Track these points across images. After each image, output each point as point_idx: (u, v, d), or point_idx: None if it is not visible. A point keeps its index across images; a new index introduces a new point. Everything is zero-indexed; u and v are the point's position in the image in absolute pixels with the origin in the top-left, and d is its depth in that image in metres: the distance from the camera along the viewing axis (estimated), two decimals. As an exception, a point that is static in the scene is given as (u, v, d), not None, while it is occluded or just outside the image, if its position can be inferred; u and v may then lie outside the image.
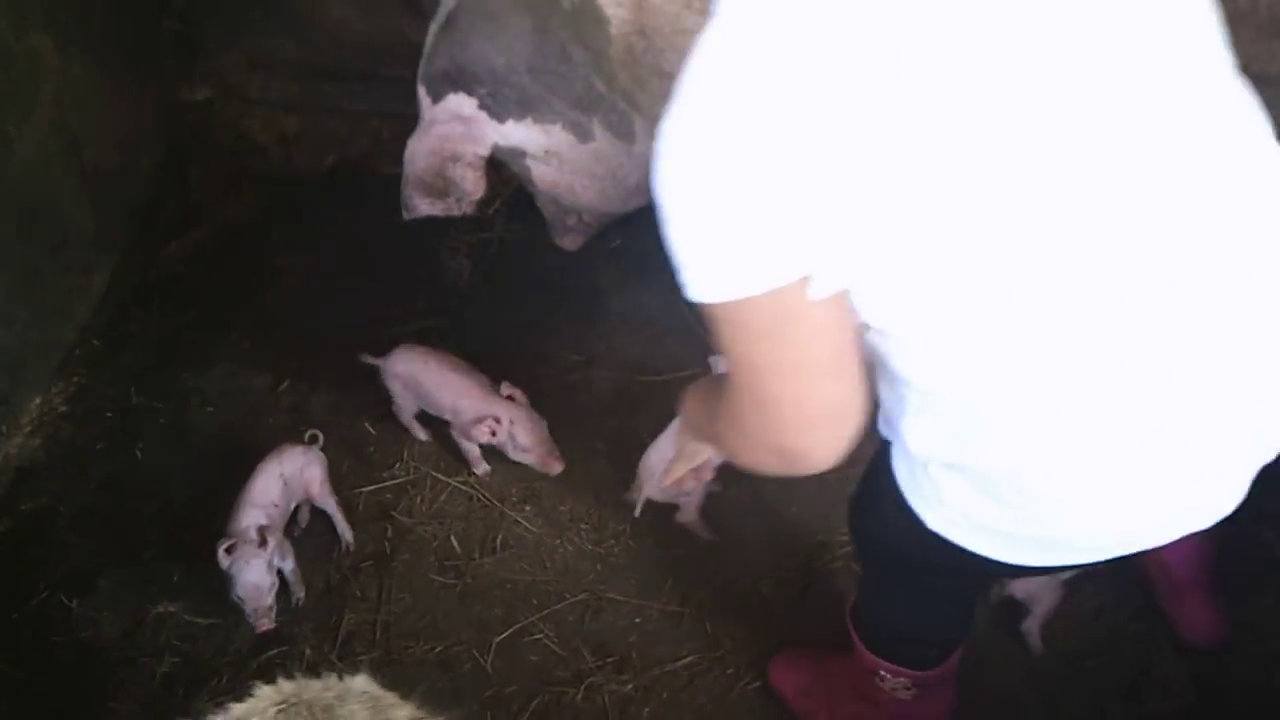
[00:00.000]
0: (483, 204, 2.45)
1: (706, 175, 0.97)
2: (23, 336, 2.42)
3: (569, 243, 2.44)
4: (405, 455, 2.37)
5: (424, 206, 2.44)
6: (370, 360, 2.32)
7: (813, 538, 2.20)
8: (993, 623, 2.07)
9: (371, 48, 2.74)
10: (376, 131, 2.85)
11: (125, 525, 2.27)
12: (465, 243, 2.65)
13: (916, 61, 0.95)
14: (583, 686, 2.06)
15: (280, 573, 2.08)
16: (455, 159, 2.28)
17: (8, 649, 2.12)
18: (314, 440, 2.22)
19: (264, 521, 2.02)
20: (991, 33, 0.97)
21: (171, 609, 2.15)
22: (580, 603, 2.17)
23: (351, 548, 2.23)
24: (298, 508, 2.20)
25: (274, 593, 1.98)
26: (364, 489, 2.32)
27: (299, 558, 2.14)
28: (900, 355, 1.14)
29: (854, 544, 1.74)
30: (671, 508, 2.20)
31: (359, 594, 2.19)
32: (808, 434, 1.10)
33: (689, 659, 2.09)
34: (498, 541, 2.25)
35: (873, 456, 1.45)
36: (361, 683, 1.10)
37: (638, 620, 2.15)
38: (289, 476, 2.13)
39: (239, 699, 1.09)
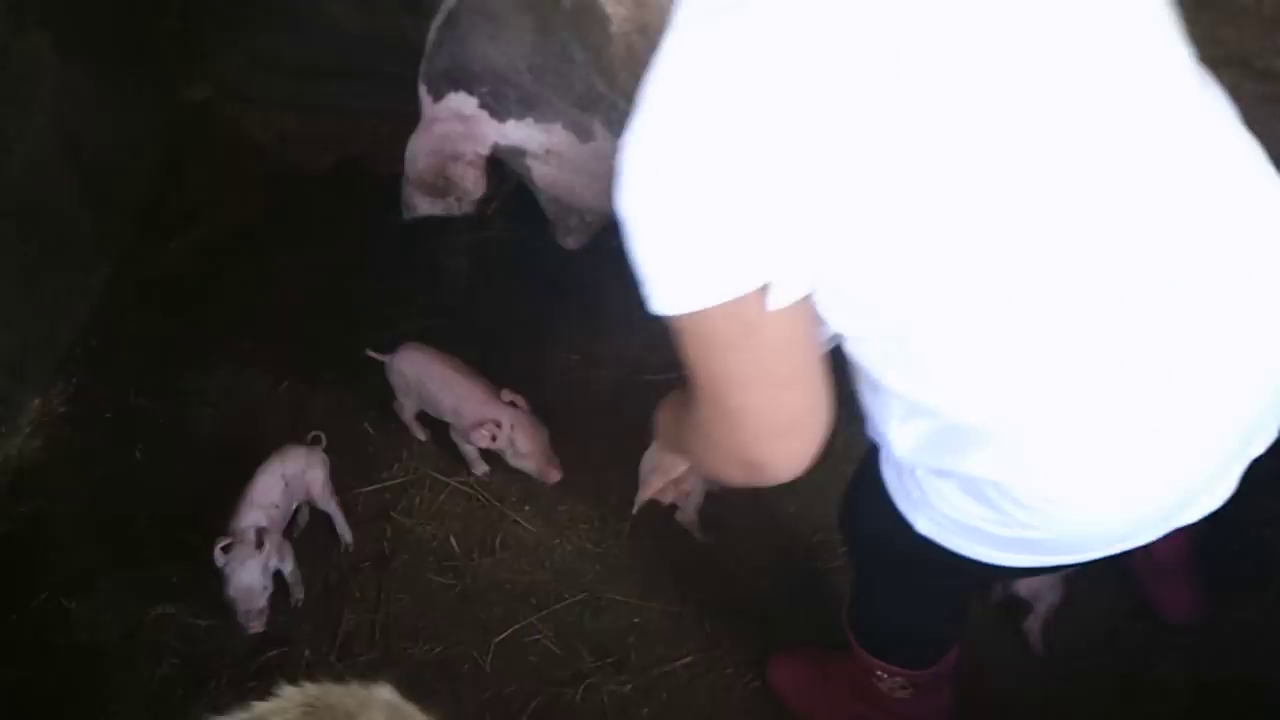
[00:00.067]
0: (482, 203, 2.45)
1: (663, 188, 0.98)
2: (22, 336, 2.42)
3: (571, 242, 2.44)
4: (404, 455, 2.37)
5: (424, 206, 2.44)
6: (376, 356, 2.31)
7: (812, 537, 2.20)
8: (992, 622, 2.07)
9: (371, 46, 2.74)
10: (376, 130, 2.84)
11: (125, 526, 2.27)
12: (464, 242, 2.65)
13: (878, 66, 0.95)
14: (582, 687, 2.06)
15: (279, 574, 2.08)
16: (456, 158, 2.28)
17: (7, 650, 2.12)
18: (317, 441, 2.22)
19: (263, 523, 2.01)
20: (956, 36, 0.97)
21: (171, 610, 2.15)
22: (579, 603, 2.17)
23: (351, 548, 2.23)
24: (298, 509, 2.20)
25: (267, 596, 1.98)
26: (363, 489, 2.32)
27: (298, 558, 2.14)
28: (881, 364, 1.14)
29: (845, 545, 1.74)
30: (671, 507, 2.20)
31: (358, 594, 2.19)
32: (770, 445, 1.11)
33: (688, 659, 2.09)
34: (497, 542, 2.25)
35: (862, 459, 1.45)
36: (385, 693, 1.11)
37: (637, 620, 2.15)
38: (291, 477, 2.13)
39: (262, 698, 1.10)
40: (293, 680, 2.05)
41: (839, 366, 1.21)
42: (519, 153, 2.27)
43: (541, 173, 2.29)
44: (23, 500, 2.33)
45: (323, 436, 2.23)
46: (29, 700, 2.07)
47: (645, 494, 1.82)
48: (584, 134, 2.15)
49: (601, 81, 2.09)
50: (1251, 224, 1.11)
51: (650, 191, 0.99)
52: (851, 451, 1.48)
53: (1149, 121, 1.05)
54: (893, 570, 1.54)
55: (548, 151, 2.24)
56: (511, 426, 2.17)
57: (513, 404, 2.21)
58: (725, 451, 1.15)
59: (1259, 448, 1.22)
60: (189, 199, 2.84)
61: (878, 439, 1.28)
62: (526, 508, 2.29)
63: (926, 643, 1.73)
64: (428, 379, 2.26)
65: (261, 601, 1.97)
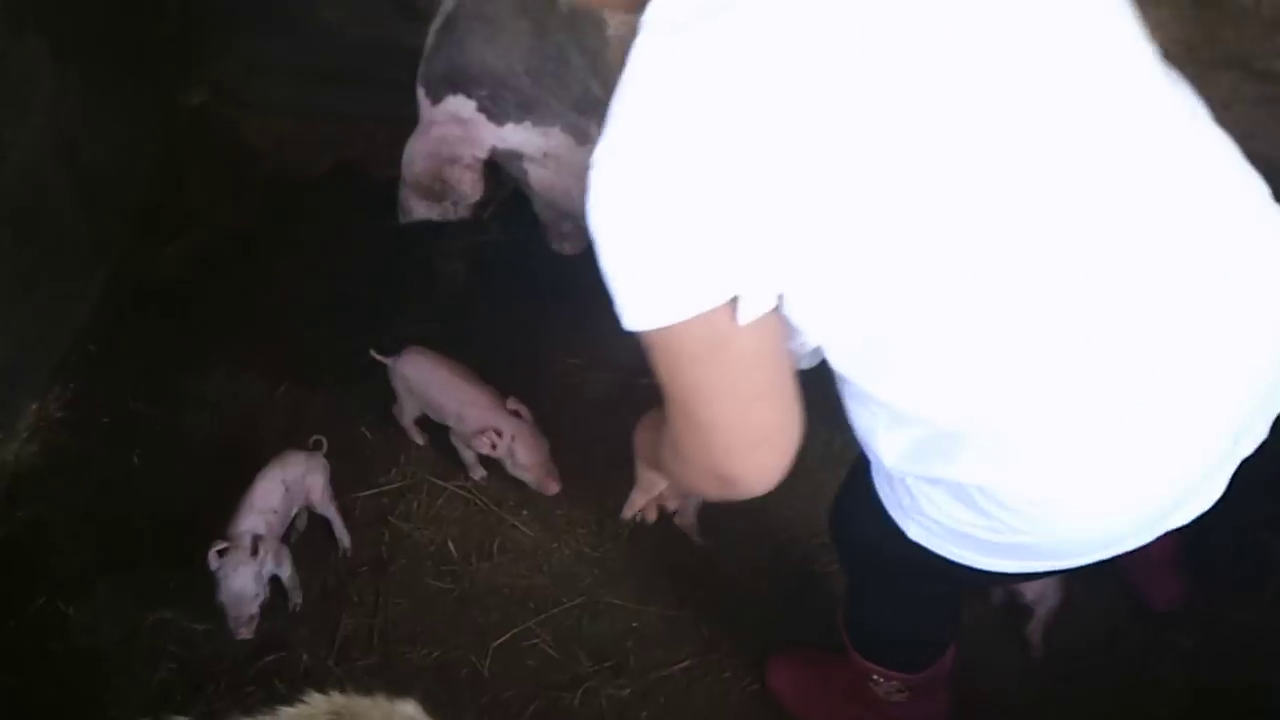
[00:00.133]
0: (478, 207, 2.45)
1: (628, 205, 0.99)
2: (19, 341, 2.41)
3: (567, 247, 2.44)
4: (402, 460, 2.36)
5: (420, 210, 2.43)
6: (380, 358, 2.31)
7: (810, 540, 2.20)
8: (989, 624, 2.07)
9: (367, 51, 2.74)
10: (373, 135, 2.84)
11: (122, 531, 2.26)
12: (461, 246, 2.65)
13: (846, 74, 0.96)
14: (580, 690, 2.06)
15: (277, 579, 2.08)
16: (453, 161, 2.28)
17: (5, 655, 2.11)
18: (317, 446, 2.22)
19: (261, 530, 2.01)
20: (922, 42, 0.97)
21: (169, 615, 2.14)
22: (577, 607, 2.17)
23: (349, 553, 2.23)
24: (297, 514, 2.20)
25: (259, 604, 1.98)
26: (361, 494, 2.31)
27: (296, 563, 2.13)
28: (863, 372, 1.15)
29: (836, 552, 1.74)
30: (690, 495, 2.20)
31: (356, 599, 2.19)
32: (742, 458, 1.13)
33: (686, 663, 2.09)
34: (495, 546, 2.25)
35: (851, 466, 1.45)
36: (409, 709, 1.13)
37: (635, 624, 2.15)
38: (291, 483, 2.12)
39: (289, 704, 1.12)
40: (291, 684, 2.06)
41: (828, 375, 1.22)
42: (516, 156, 2.27)
43: (538, 176, 2.29)
44: (20, 505, 2.32)
45: (323, 441, 2.23)
46: (27, 705, 2.06)
47: (628, 512, 1.83)
48: (581, 137, 2.16)
49: (598, 85, 2.09)
50: (1229, 220, 1.12)
51: (616, 208, 1.00)
52: (847, 455, 1.48)
53: (1120, 122, 1.05)
54: (886, 576, 1.54)
55: (545, 155, 2.24)
56: (513, 437, 2.17)
57: (516, 413, 2.21)
58: (698, 465, 1.16)
59: (1248, 448, 1.22)
60: (186, 203, 2.84)
61: (866, 450, 1.29)
62: (524, 512, 2.29)
63: (922, 646, 1.73)
64: (431, 383, 2.26)
65: (253, 609, 1.96)
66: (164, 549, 2.23)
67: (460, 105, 2.21)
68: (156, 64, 2.85)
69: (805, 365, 1.28)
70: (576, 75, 2.13)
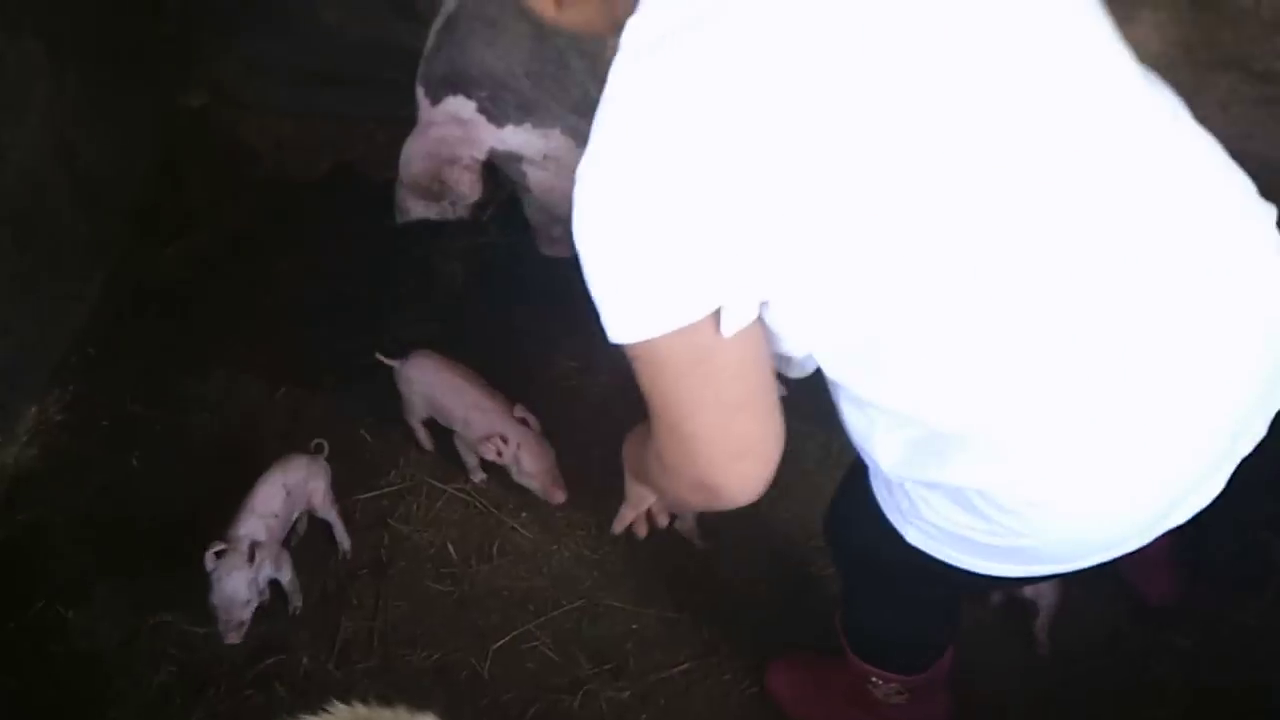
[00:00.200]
0: (477, 209, 2.45)
1: (610, 218, 1.00)
2: (18, 344, 2.41)
3: (556, 250, 2.44)
4: (401, 462, 2.36)
5: (418, 209, 2.44)
6: (386, 361, 2.30)
7: (808, 543, 2.20)
8: (989, 625, 2.07)
9: (366, 52, 2.74)
10: (372, 136, 2.85)
11: (122, 534, 2.26)
12: (460, 248, 2.65)
13: (828, 83, 0.96)
14: (580, 693, 2.06)
15: (277, 583, 2.08)
16: (452, 162, 2.28)
17: (4, 659, 2.11)
18: (319, 450, 2.22)
19: (261, 535, 2.00)
20: (903, 50, 0.98)
21: (168, 618, 2.14)
22: (577, 609, 2.17)
23: (348, 556, 2.23)
24: (298, 518, 2.19)
25: (250, 610, 1.97)
26: (360, 496, 2.31)
27: (296, 566, 2.13)
28: (857, 377, 1.15)
29: (833, 557, 1.74)
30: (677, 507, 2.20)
31: (355, 602, 2.18)
32: (725, 470, 1.14)
33: (686, 665, 2.09)
34: (494, 548, 2.25)
35: (848, 469, 1.45)
36: None
37: (635, 627, 2.15)
38: (292, 487, 2.12)
39: (313, 711, 1.13)
40: (291, 688, 2.06)
41: (821, 377, 1.22)
42: (515, 158, 2.27)
43: (537, 178, 2.29)
44: (20, 508, 2.32)
45: (325, 445, 2.23)
46: (27, 708, 2.06)
47: (618, 527, 1.84)
48: (581, 140, 2.14)
49: (597, 88, 2.08)
50: (1216, 219, 1.12)
51: (599, 222, 1.01)
52: (844, 458, 1.48)
53: (1104, 124, 1.06)
54: (884, 580, 1.54)
55: (545, 157, 2.24)
56: (518, 445, 2.16)
57: (523, 421, 2.20)
58: (681, 476, 1.18)
59: (1247, 446, 1.22)
60: (185, 205, 2.84)
61: (864, 456, 1.29)
62: (524, 514, 2.29)
63: (920, 648, 1.73)
64: (438, 387, 2.25)
65: (243, 614, 1.96)
66: (164, 552, 2.23)
67: (460, 106, 2.21)
68: (155, 65, 2.85)
69: (797, 375, 1.28)
70: (576, 78, 2.13)
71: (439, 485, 2.33)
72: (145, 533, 2.26)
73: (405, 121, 2.31)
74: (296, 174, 2.88)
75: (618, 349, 1.09)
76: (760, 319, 1.08)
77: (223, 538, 2.00)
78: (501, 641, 2.12)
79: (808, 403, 1.45)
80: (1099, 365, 1.08)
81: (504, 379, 2.29)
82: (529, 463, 2.17)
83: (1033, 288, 1.05)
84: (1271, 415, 1.21)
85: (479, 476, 2.31)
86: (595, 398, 2.44)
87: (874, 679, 1.76)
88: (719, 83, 0.95)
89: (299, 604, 2.15)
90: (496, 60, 2.16)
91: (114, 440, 2.42)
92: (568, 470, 2.22)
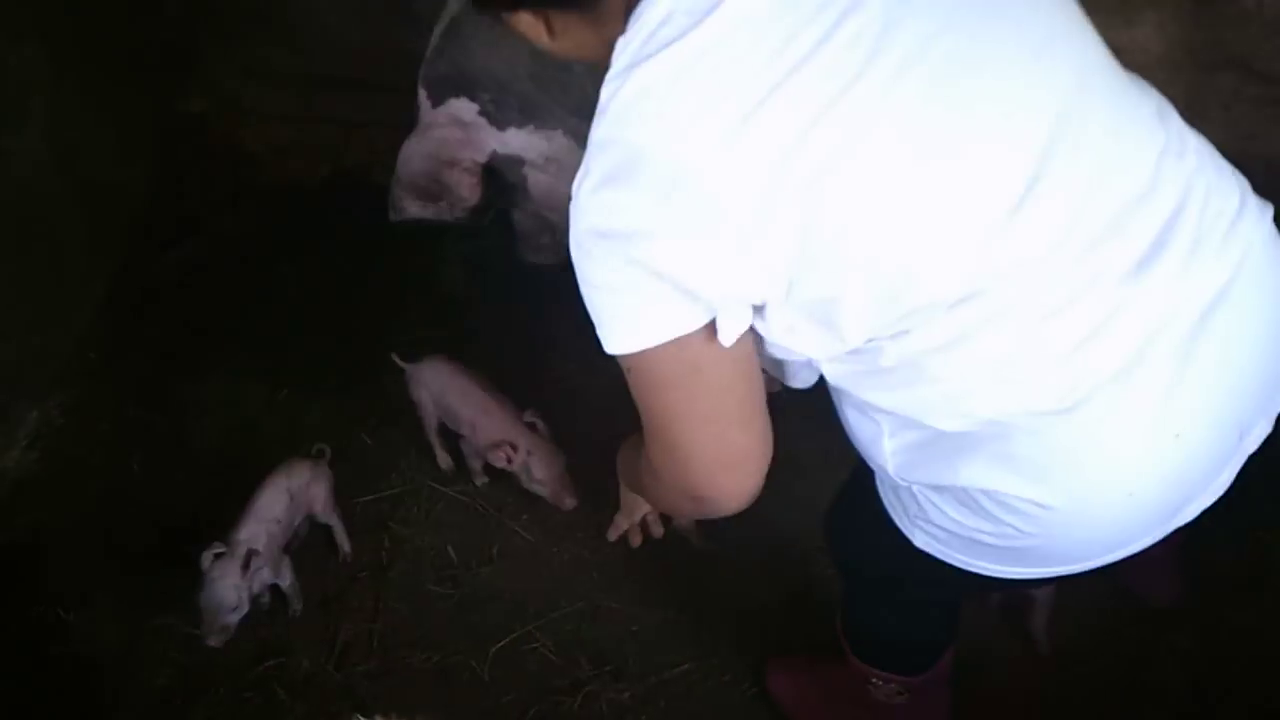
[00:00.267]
0: (477, 212, 2.45)
1: (604, 231, 1.01)
2: (19, 349, 2.42)
3: (541, 258, 2.44)
4: (402, 465, 2.37)
5: (414, 209, 2.44)
6: (400, 363, 2.29)
7: (809, 543, 2.20)
8: (989, 625, 2.07)
9: (366, 57, 2.75)
10: (372, 141, 2.85)
11: (122, 537, 2.26)
12: (460, 252, 2.65)
13: (812, 86, 0.97)
14: (580, 695, 2.05)
15: (277, 587, 2.08)
16: (452, 164, 2.29)
17: (5, 663, 2.11)
18: (321, 455, 2.21)
19: (259, 543, 1.99)
20: (882, 51, 0.98)
21: (169, 621, 2.14)
22: (577, 611, 2.16)
23: (349, 558, 2.23)
24: (299, 523, 2.19)
25: (237, 617, 1.95)
26: (361, 499, 2.31)
27: (296, 569, 2.13)
28: (859, 382, 1.16)
29: (833, 560, 1.74)
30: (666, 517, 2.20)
31: (355, 604, 2.18)
32: (715, 479, 1.17)
33: (686, 666, 2.09)
34: (494, 551, 2.25)
35: (849, 475, 1.45)
36: None
37: (634, 628, 2.15)
38: (295, 492, 2.12)
39: (318, 717, 1.14)
40: (291, 691, 2.06)
41: (821, 382, 1.22)
42: (517, 161, 2.27)
43: (538, 181, 2.30)
44: (20, 512, 2.33)
45: (327, 449, 2.22)
46: (28, 712, 2.06)
47: (613, 535, 1.84)
48: (583, 142, 2.15)
49: (598, 91, 2.09)
50: (1212, 218, 1.12)
51: (592, 235, 1.03)
52: (844, 459, 1.48)
53: (1104, 124, 1.06)
54: (886, 582, 1.54)
55: (547, 160, 2.25)
56: (528, 452, 2.15)
57: (533, 426, 2.19)
58: (673, 486, 1.20)
59: (1254, 443, 1.22)
60: (185, 210, 2.85)
61: (870, 462, 1.29)
62: (524, 517, 2.29)
63: (921, 649, 1.73)
64: (449, 391, 2.24)
65: (228, 619, 1.94)
66: (164, 555, 2.22)
67: (462, 108, 2.21)
68: (155, 71, 2.86)
69: (799, 384, 1.29)
70: (578, 80, 2.14)
71: (439, 488, 2.33)
72: (146, 536, 2.27)
73: (406, 127, 2.31)
74: (297, 179, 2.89)
75: (614, 358, 1.10)
76: (752, 330, 1.09)
77: (223, 540, 2.01)
78: (502, 643, 2.12)
79: (807, 403, 1.45)
80: (1103, 364, 1.08)
81: (504, 381, 2.30)
82: (539, 469, 2.16)
83: (1035, 288, 1.05)
84: (1276, 411, 1.22)
85: (481, 480, 2.31)
86: (596, 399, 2.43)
87: (874, 679, 1.76)
88: (707, 93, 0.96)
89: (299, 607, 2.15)
90: (500, 62, 2.16)
91: (115, 444, 2.42)
92: (570, 472, 2.22)
